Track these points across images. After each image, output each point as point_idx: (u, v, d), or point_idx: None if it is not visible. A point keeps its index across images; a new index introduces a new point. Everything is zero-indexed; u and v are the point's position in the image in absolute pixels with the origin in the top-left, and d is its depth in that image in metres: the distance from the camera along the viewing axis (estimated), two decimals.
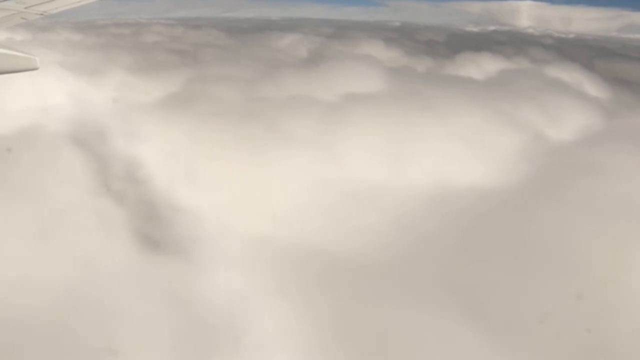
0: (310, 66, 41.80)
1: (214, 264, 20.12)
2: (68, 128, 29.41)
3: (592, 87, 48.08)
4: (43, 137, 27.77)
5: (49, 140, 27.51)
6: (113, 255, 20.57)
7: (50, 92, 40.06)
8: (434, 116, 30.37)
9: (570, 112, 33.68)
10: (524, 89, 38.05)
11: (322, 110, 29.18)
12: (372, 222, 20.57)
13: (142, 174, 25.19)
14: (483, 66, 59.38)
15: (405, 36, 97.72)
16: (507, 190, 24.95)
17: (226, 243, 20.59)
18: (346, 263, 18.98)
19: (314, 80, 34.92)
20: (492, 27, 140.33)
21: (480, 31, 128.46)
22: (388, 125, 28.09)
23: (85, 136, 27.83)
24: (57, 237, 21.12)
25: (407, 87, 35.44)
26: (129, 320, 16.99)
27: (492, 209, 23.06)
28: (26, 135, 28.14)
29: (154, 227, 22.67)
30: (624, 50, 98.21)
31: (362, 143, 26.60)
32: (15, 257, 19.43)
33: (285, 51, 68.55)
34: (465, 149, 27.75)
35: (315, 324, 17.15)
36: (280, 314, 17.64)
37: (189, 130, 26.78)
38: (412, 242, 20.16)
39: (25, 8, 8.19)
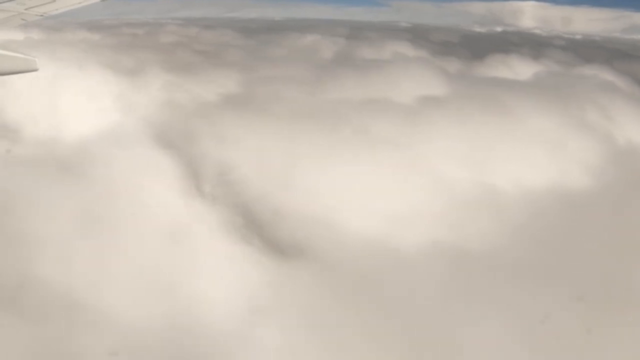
0: (363, 67, 42.04)
1: (327, 266, 20.25)
2: (148, 129, 29.45)
3: (631, 88, 48.81)
4: (128, 138, 27.80)
5: (134, 141, 27.53)
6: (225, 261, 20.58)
7: (107, 92, 40.05)
8: (508, 119, 30.79)
9: (632, 114, 34.27)
10: (578, 92, 38.60)
11: (402, 113, 29.50)
12: (484, 223, 20.89)
13: (236, 177, 25.29)
14: (515, 68, 59.85)
15: (419, 37, 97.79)
16: (596, 193, 25.40)
17: (342, 246, 20.78)
18: (470, 262, 19.24)
19: (377, 81, 35.23)
20: (498, 28, 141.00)
21: (488, 32, 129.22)
22: (467, 128, 28.45)
23: (169, 137, 27.87)
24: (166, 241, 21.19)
25: (468, 89, 35.84)
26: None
27: (589, 210, 23.48)
28: (110, 136, 28.17)
29: (261, 231, 22.76)
30: (636, 51, 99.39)
31: (447, 145, 26.95)
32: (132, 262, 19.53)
33: (312, 51, 68.64)
34: (546, 151, 28.17)
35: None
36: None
37: (276, 131, 26.94)
38: (527, 243, 20.50)
39: (26, 9, 8.24)
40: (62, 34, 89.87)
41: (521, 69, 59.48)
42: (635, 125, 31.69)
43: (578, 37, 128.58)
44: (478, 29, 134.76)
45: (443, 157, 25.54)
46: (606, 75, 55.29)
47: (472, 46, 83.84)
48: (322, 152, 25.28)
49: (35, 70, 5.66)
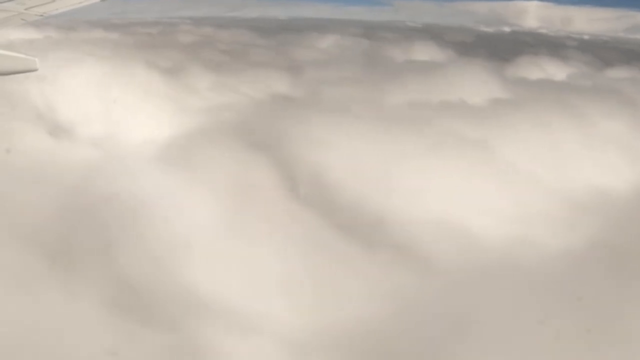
0: (418, 70, 42.65)
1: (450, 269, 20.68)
2: (230, 130, 29.76)
3: None
4: (216, 139, 28.10)
5: (223, 142, 27.81)
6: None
7: (165, 92, 40.24)
8: (577, 121, 31.52)
9: None
10: (632, 94, 39.48)
11: (481, 115, 30.15)
12: (599, 223, 21.51)
13: (331, 179, 25.69)
14: (547, 69, 60.68)
15: (435, 37, 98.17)
16: None
17: (464, 248, 21.30)
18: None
19: (442, 84, 35.86)
20: (506, 28, 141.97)
21: (497, 32, 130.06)
22: (548, 130, 29.16)
23: (257, 138, 28.15)
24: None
25: (530, 91, 36.60)
26: None
27: None
28: (197, 137, 28.47)
29: (367, 234, 23.07)
30: None
31: (534, 147, 27.62)
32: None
33: (342, 52, 69.12)
34: (622, 154, 28.90)
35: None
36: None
37: (365, 133, 27.40)
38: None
39: (26, 9, 8.24)
40: (79, 33, 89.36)
41: (553, 70, 60.37)
42: None
43: (586, 37, 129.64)
44: (486, 28, 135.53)
45: (533, 158, 26.18)
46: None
47: (493, 47, 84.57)
48: (415, 154, 25.80)
49: (35, 70, 5.60)
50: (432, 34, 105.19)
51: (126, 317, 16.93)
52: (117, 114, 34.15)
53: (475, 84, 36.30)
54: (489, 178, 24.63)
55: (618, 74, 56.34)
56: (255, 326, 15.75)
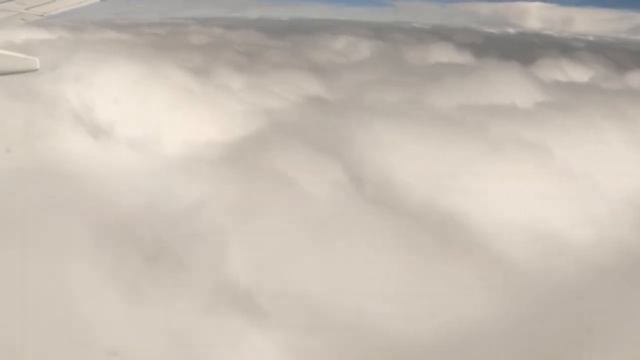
0: (451, 73, 43.14)
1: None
2: (289, 132, 30.01)
3: None
4: (280, 142, 28.34)
5: (286, 143, 28.06)
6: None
7: (207, 94, 40.39)
8: (625, 123, 32.08)
9: None
10: None
11: (531, 118, 30.67)
12: None
13: (400, 181, 26.04)
14: (569, 72, 61.35)
15: (445, 39, 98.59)
16: None
17: (539, 249, 21.74)
18: None
19: (483, 86, 36.34)
20: (510, 29, 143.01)
21: (503, 33, 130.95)
22: (599, 132, 29.70)
23: (320, 140, 28.38)
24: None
25: (568, 94, 37.19)
26: None
27: None
28: (261, 139, 28.70)
29: (438, 236, 23.38)
30: None
31: (584, 149, 28.14)
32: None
33: (360, 53, 69.55)
34: None
35: None
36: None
37: (423, 135, 27.79)
38: None
39: (26, 9, 8.23)
40: (91, 34, 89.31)
41: (573, 72, 61.06)
42: None
43: (591, 38, 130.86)
44: (491, 29, 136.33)
45: (590, 160, 26.68)
46: None
47: (506, 49, 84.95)
48: (479, 157, 26.22)
49: (35, 70, 5.60)
50: (441, 35, 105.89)
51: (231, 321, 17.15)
52: (163, 115, 34.32)
53: (516, 87, 36.86)
54: (552, 180, 25.13)
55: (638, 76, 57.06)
56: (373, 332, 15.95)
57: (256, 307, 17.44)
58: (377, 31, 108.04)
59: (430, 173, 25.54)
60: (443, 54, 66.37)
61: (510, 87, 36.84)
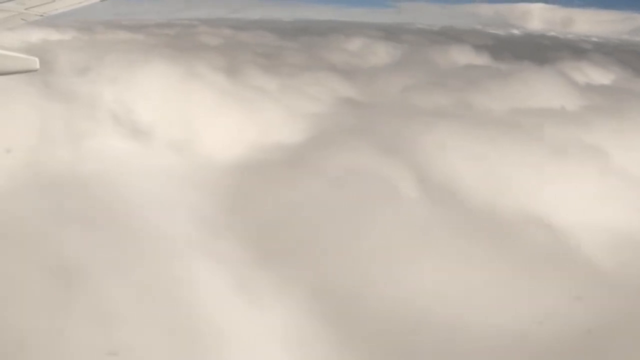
0: (489, 76, 43.72)
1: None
2: (349, 134, 30.33)
3: None
4: (343, 144, 28.66)
5: (353, 147, 28.35)
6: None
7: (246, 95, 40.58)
8: None
9: None
10: None
11: (583, 121, 31.26)
12: None
13: (467, 183, 26.39)
14: (590, 74, 62.05)
15: (455, 40, 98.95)
16: None
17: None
18: None
19: (528, 90, 36.92)
20: (515, 31, 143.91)
21: (508, 35, 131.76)
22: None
23: (380, 142, 28.73)
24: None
25: (608, 97, 37.87)
26: None
27: None
28: (315, 141, 29.04)
29: (508, 237, 23.72)
30: None
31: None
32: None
33: (383, 56, 70.04)
34: None
35: None
36: None
37: (483, 138, 28.22)
38: None
39: (26, 9, 8.24)
40: (103, 35, 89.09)
41: (596, 75, 61.79)
42: None
43: (595, 39, 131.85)
44: (496, 31, 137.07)
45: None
46: None
47: (522, 51, 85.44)
48: (542, 160, 26.71)
49: (35, 70, 5.54)
50: (451, 36, 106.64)
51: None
52: (214, 116, 34.58)
53: (557, 90, 37.43)
54: (616, 182, 25.61)
55: None
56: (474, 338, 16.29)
57: (361, 308, 17.81)
58: (386, 32, 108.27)
59: (499, 175, 25.94)
60: (463, 55, 66.92)
61: (551, 90, 37.44)
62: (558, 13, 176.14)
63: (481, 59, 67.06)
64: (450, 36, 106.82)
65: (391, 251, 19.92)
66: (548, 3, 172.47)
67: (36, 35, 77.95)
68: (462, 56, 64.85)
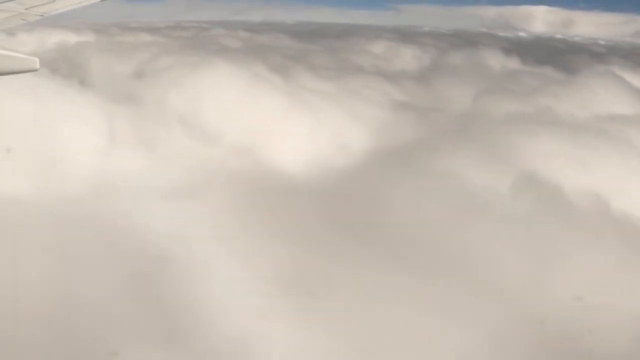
0: (543, 79, 44.31)
1: None
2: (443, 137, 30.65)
3: None
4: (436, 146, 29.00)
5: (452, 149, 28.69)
6: None
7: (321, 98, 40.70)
8: None
9: None
10: None
11: None
12: None
13: (575, 188, 26.57)
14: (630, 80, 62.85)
15: (469, 44, 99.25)
16: None
17: None
18: None
19: (591, 95, 37.56)
20: (522, 33, 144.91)
21: (516, 37, 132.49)
22: None
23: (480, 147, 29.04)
24: None
25: None
26: None
27: None
28: (414, 144, 29.37)
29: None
30: None
31: None
32: None
33: (415, 60, 70.52)
34: None
35: None
36: None
37: (584, 144, 28.69)
38: None
39: (26, 9, 8.29)
40: (122, 36, 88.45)
41: (635, 81, 62.67)
42: None
43: (601, 42, 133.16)
44: (505, 34, 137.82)
45: None
46: None
47: (541, 54, 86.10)
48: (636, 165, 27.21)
49: (35, 69, 5.51)
50: (466, 39, 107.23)
51: None
52: (296, 116, 34.66)
53: (625, 96, 38.07)
54: None
55: None
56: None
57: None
58: (400, 35, 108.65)
59: (606, 181, 26.32)
60: (496, 60, 67.63)
61: (616, 95, 38.11)
62: (561, 15, 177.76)
63: (513, 63, 67.81)
64: (465, 39, 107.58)
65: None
66: (550, 5, 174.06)
67: (53, 37, 77.47)
68: (495, 60, 65.54)
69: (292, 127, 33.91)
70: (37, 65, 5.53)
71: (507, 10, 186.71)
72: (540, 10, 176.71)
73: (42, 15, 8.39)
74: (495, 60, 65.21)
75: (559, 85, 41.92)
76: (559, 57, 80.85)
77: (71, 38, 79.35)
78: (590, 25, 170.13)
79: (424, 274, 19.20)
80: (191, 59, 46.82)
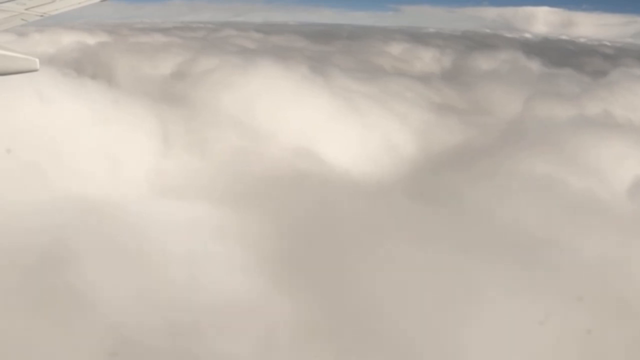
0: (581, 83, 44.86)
1: None
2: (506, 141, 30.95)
3: None
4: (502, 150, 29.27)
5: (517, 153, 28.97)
6: None
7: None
8: None
9: None
10: None
11: None
12: None
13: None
14: None
15: (483, 45, 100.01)
16: None
17: None
18: None
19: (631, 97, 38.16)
20: (527, 34, 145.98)
21: (523, 38, 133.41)
22: None
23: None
24: None
25: None
26: None
27: None
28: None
29: None
30: None
31: None
32: None
33: (439, 63, 70.99)
34: None
35: None
36: None
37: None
38: None
39: (26, 9, 8.34)
40: (137, 37, 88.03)
41: None
42: None
43: (607, 43, 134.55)
44: (511, 35, 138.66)
45: None
46: None
47: (556, 56, 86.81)
48: None
49: (35, 70, 5.55)
50: (478, 41, 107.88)
51: None
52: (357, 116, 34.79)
53: None
54: None
55: None
56: None
57: None
58: (410, 36, 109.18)
59: None
60: (521, 62, 68.21)
61: None
62: (562, 16, 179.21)
63: (535, 65, 68.55)
64: (477, 41, 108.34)
65: None
66: (552, 6, 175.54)
67: (66, 38, 76.95)
68: (520, 63, 66.21)
69: (345, 128, 33.95)
70: (37, 66, 5.53)
71: (508, 11, 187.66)
72: (542, 11, 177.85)
73: (42, 16, 8.42)
74: (523, 63, 65.70)
75: (599, 88, 42.46)
76: (573, 58, 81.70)
77: (87, 39, 78.76)
78: (591, 26, 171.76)
79: (531, 274, 19.10)
80: (234, 60, 46.58)
